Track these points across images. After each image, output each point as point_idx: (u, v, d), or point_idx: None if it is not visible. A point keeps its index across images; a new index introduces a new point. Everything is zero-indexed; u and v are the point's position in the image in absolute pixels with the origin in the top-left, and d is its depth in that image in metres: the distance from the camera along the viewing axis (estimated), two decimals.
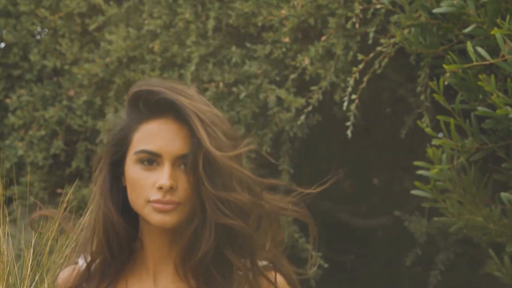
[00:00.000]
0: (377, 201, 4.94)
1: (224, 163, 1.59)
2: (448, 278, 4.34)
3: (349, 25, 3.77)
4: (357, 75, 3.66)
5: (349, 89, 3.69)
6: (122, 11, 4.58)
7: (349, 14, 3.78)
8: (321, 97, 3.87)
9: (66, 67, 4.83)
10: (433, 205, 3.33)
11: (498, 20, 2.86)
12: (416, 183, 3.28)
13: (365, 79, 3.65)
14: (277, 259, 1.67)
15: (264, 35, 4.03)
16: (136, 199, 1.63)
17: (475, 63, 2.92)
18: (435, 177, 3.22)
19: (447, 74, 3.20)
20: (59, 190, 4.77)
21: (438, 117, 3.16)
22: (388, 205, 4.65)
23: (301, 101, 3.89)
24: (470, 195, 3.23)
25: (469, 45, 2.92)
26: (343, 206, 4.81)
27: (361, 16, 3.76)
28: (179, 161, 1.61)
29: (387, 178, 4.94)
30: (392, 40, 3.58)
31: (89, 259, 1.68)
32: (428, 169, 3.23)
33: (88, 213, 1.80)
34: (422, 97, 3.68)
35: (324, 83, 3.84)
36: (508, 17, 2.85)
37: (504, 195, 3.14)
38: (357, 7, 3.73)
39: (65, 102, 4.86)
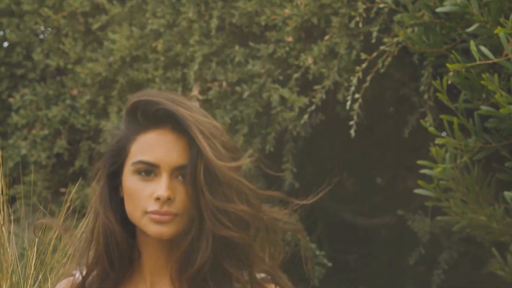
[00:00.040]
0: (380, 200, 4.94)
1: (224, 174, 1.58)
2: (451, 277, 4.34)
3: (352, 24, 3.77)
4: (360, 74, 3.66)
5: (352, 88, 3.69)
6: (125, 10, 4.58)
7: (353, 13, 3.78)
8: (324, 96, 3.87)
9: (70, 66, 4.83)
10: (437, 204, 3.33)
11: (502, 19, 2.86)
12: (420, 182, 3.28)
13: (368, 78, 3.65)
14: (275, 271, 1.66)
15: (268, 34, 4.04)
16: (133, 210, 1.62)
17: (478, 62, 2.92)
18: (439, 176, 3.22)
19: (451, 73, 3.20)
20: (62, 189, 4.78)
21: (442, 116, 3.16)
22: (391, 204, 4.64)
23: (304, 100, 3.89)
24: (473, 194, 3.23)
25: (472, 44, 2.92)
26: (346, 206, 4.81)
27: (364, 15, 3.76)
28: (176, 172, 1.60)
29: (391, 177, 4.94)
30: (395, 39, 3.58)
31: (84, 272, 1.67)
32: (431, 168, 3.23)
33: (86, 219, 1.79)
34: (426, 96, 3.68)
35: (327, 82, 3.84)
36: (511, 16, 2.85)
37: (507, 194, 3.14)
38: (361, 6, 3.73)
39: (68, 101, 4.86)
